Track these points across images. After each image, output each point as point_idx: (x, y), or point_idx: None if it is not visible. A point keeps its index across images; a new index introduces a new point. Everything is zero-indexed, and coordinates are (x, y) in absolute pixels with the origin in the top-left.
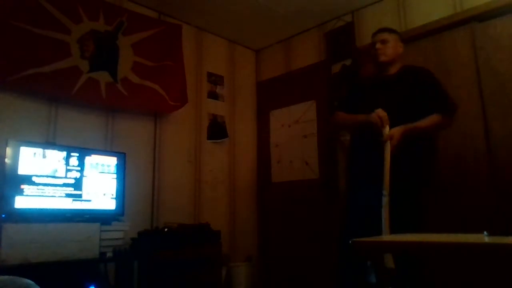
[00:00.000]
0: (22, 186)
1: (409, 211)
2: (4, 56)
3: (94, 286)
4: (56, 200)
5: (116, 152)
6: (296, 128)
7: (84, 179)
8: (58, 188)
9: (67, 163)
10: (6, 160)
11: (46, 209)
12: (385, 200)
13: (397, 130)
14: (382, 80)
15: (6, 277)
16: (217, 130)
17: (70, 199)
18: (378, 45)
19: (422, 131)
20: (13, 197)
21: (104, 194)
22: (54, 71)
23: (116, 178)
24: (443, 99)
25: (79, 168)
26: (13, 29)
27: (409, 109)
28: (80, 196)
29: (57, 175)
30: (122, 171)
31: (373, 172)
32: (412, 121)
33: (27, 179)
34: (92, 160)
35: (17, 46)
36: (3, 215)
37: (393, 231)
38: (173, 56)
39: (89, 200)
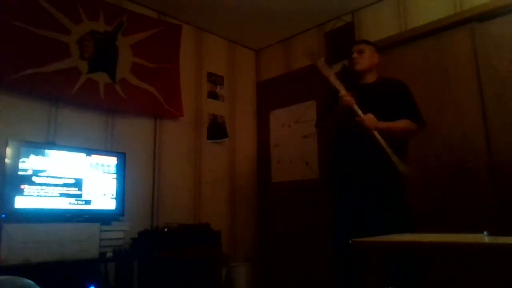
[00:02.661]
0: (22, 186)
1: (398, 214)
2: (4, 56)
3: (94, 286)
4: (56, 200)
5: (116, 152)
6: (296, 128)
7: (84, 179)
8: (58, 188)
9: (67, 163)
10: (6, 160)
11: (46, 209)
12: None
13: (373, 117)
14: (361, 87)
15: (6, 277)
16: (217, 130)
17: (70, 199)
18: (354, 55)
19: (393, 130)
20: (13, 197)
21: (104, 194)
22: (53, 71)
23: (116, 178)
24: (416, 111)
25: (79, 168)
26: (13, 29)
27: (386, 115)
28: (80, 196)
29: (57, 175)
30: (122, 171)
31: (356, 173)
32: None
33: (27, 179)
34: (92, 160)
35: (16, 46)
36: (3, 215)
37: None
38: (171, 59)
39: (89, 200)
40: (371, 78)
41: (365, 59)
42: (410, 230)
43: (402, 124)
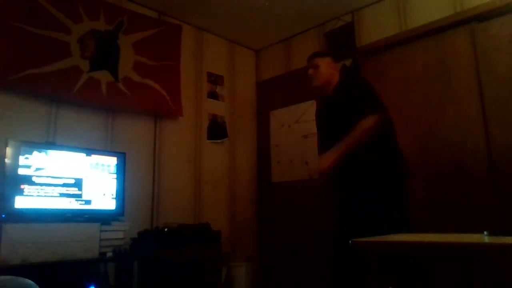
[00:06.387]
0: (22, 186)
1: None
2: (4, 56)
3: (94, 286)
4: (56, 200)
5: (116, 152)
6: (296, 128)
7: (84, 179)
8: (58, 188)
9: (67, 163)
10: (6, 160)
11: (46, 209)
12: None
13: (325, 164)
14: (324, 102)
15: (6, 277)
16: (217, 130)
17: (70, 199)
18: (310, 71)
19: (351, 145)
20: (13, 197)
21: (104, 194)
22: (54, 71)
23: (116, 178)
24: (367, 101)
25: (79, 168)
26: (13, 29)
27: (349, 122)
28: (80, 196)
29: (57, 175)
30: (122, 171)
31: (346, 174)
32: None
33: (27, 179)
34: (92, 160)
35: (17, 46)
36: (3, 215)
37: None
38: (172, 57)
39: (89, 200)
40: (329, 90)
41: (321, 74)
42: (404, 230)
43: (358, 131)
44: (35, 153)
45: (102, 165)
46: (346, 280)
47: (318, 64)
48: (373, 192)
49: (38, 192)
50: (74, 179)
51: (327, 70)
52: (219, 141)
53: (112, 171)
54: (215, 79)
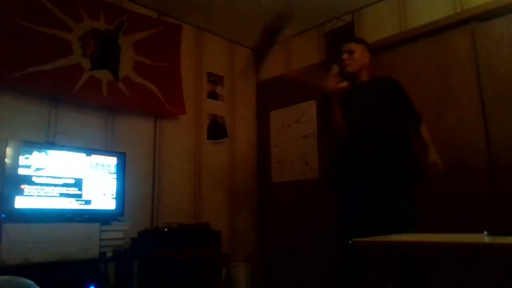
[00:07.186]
0: (22, 186)
1: (401, 207)
2: (6, 54)
3: (94, 286)
4: (56, 200)
5: (116, 152)
6: (296, 128)
7: (84, 179)
8: (58, 188)
9: (67, 163)
10: (6, 160)
11: (46, 209)
12: None
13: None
14: (356, 86)
15: (6, 277)
16: (217, 130)
17: (70, 199)
18: (344, 56)
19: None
20: (13, 197)
21: (104, 194)
22: (55, 68)
23: (116, 178)
24: (414, 109)
25: (79, 168)
26: (15, 27)
27: (382, 113)
28: (80, 196)
29: (57, 175)
30: (122, 171)
31: (363, 170)
32: (388, 120)
33: (27, 179)
34: (92, 160)
35: (19, 44)
36: (3, 215)
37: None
38: (171, 58)
39: (89, 200)
40: (363, 77)
41: (356, 60)
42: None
43: (428, 135)
44: (35, 153)
45: (102, 165)
46: (346, 280)
47: (354, 50)
48: (393, 192)
49: (38, 192)
50: (74, 179)
51: (362, 58)
52: (219, 141)
53: (112, 171)
54: (215, 79)
